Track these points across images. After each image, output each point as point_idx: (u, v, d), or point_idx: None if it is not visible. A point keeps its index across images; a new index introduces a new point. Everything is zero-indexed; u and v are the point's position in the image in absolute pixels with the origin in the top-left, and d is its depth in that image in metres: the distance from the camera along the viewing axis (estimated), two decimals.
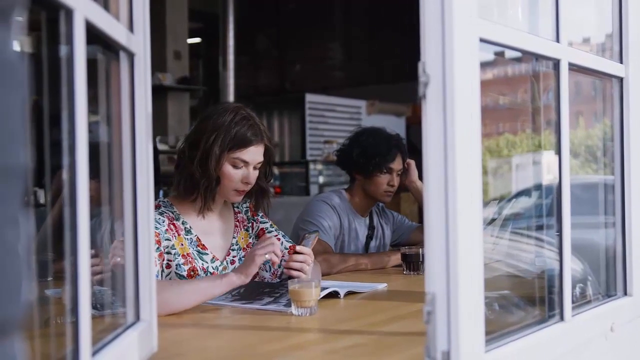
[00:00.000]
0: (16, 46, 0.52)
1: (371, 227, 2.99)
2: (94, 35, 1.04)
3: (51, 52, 0.98)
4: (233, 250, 2.21)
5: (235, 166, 2.08)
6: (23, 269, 0.51)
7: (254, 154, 2.09)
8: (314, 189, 7.09)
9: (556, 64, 1.43)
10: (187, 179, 2.09)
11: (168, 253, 2.02)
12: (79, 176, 0.94)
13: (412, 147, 4.39)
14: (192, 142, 2.10)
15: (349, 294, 2.06)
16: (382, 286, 2.23)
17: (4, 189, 0.49)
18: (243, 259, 2.18)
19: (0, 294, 0.49)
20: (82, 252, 0.94)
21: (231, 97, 7.49)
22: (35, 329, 1.03)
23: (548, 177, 1.75)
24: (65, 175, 0.95)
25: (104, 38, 1.12)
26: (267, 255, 1.88)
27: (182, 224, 2.11)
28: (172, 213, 2.11)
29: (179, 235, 2.08)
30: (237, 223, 2.26)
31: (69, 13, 0.93)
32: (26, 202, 0.52)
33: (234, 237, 2.22)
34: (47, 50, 0.99)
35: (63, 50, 0.95)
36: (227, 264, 2.17)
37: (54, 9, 0.91)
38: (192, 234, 2.11)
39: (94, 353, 1.02)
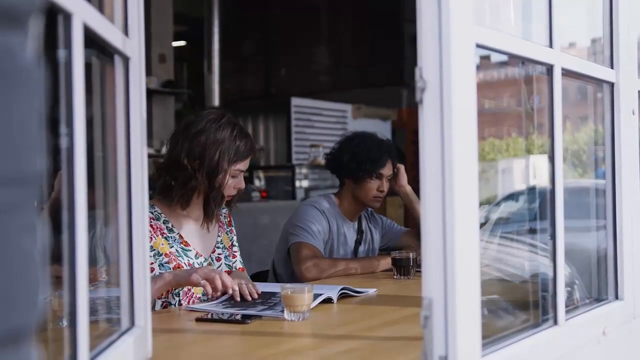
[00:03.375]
0: (31, 52, 0.52)
1: (360, 232, 2.98)
2: (89, 39, 1.03)
3: (48, 55, 0.96)
4: (218, 247, 2.28)
5: (234, 177, 2.18)
6: (39, 275, 0.51)
7: (248, 163, 2.22)
8: (300, 193, 7.07)
9: (549, 69, 1.43)
10: (191, 191, 2.13)
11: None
12: (77, 180, 0.93)
13: (398, 151, 4.38)
14: (190, 154, 2.11)
15: (342, 297, 2.05)
16: (372, 291, 2.23)
17: (21, 196, 0.48)
18: (228, 257, 2.29)
19: (19, 301, 0.49)
20: (79, 258, 0.93)
21: (216, 101, 7.46)
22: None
23: (536, 181, 1.76)
24: (62, 178, 0.94)
25: (100, 42, 1.11)
26: (202, 282, 1.89)
27: (164, 223, 2.15)
28: (152, 213, 2.13)
29: (158, 235, 2.11)
30: (221, 223, 2.33)
31: (68, 17, 0.92)
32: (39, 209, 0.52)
33: (218, 236, 2.30)
34: (43, 54, 0.98)
35: (60, 54, 0.94)
36: (212, 260, 2.24)
37: (52, 12, 0.90)
38: (174, 232, 2.15)
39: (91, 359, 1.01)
